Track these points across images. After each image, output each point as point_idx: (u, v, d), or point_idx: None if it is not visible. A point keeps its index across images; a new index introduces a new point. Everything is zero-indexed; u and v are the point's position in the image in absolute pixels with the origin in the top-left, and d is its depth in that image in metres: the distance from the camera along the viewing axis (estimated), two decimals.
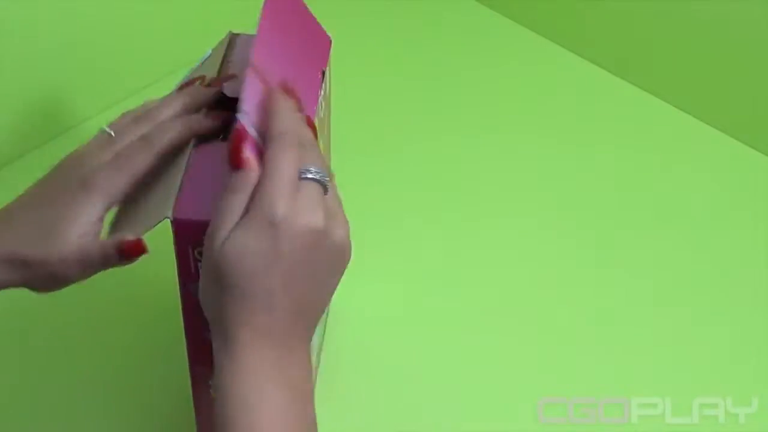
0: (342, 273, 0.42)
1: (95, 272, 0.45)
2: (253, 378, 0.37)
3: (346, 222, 0.41)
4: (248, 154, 0.40)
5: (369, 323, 0.69)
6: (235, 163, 0.40)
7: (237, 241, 0.38)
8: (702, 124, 0.90)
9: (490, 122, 0.91)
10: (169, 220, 0.43)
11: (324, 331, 0.65)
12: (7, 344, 0.68)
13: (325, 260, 0.40)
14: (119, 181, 0.45)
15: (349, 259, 0.42)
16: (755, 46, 0.83)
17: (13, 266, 0.44)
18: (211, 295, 0.39)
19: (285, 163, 0.39)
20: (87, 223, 0.44)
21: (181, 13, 0.90)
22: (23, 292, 0.45)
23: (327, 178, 0.40)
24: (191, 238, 0.43)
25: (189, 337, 0.48)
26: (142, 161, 0.46)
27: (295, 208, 0.38)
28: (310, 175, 0.39)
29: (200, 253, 0.43)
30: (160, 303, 0.68)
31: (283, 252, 0.38)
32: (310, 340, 0.41)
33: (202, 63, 0.53)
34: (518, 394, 0.66)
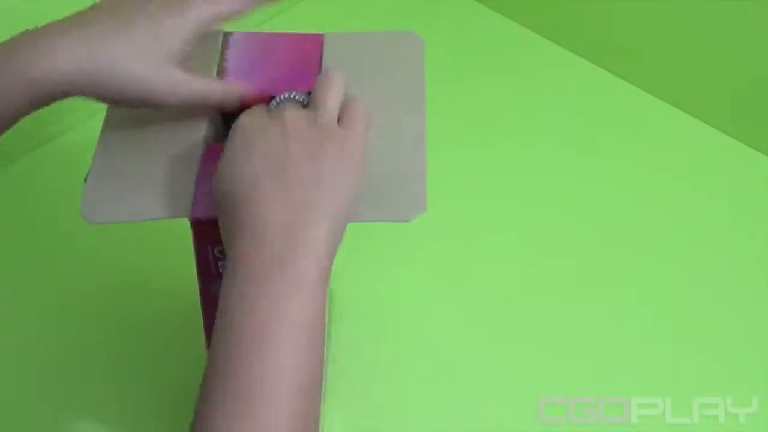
0: (343, 169, 0.40)
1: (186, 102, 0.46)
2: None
3: (347, 113, 0.42)
4: None
5: (369, 321, 0.69)
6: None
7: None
8: (702, 124, 0.90)
9: (490, 122, 0.91)
10: (188, 220, 0.43)
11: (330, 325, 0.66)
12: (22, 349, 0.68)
13: (312, 153, 0.40)
14: (208, 13, 0.45)
15: (350, 153, 0.41)
16: (755, 46, 0.83)
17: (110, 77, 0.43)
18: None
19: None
20: (186, 44, 0.45)
21: None
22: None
23: (303, 97, 0.44)
24: (211, 237, 0.43)
25: (209, 336, 0.48)
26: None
27: (258, 114, 0.42)
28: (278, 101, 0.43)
29: (220, 252, 0.44)
30: (178, 299, 0.68)
31: (252, 150, 0.40)
32: (320, 237, 0.39)
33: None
34: (518, 394, 0.66)
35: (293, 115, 0.41)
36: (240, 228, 0.38)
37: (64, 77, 0.42)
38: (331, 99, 0.42)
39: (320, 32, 0.52)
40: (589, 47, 0.98)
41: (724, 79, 0.88)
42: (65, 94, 0.44)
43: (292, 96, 0.45)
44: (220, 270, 0.46)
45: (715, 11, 0.85)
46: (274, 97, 0.45)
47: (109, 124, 0.49)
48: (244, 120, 0.42)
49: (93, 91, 0.44)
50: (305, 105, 0.44)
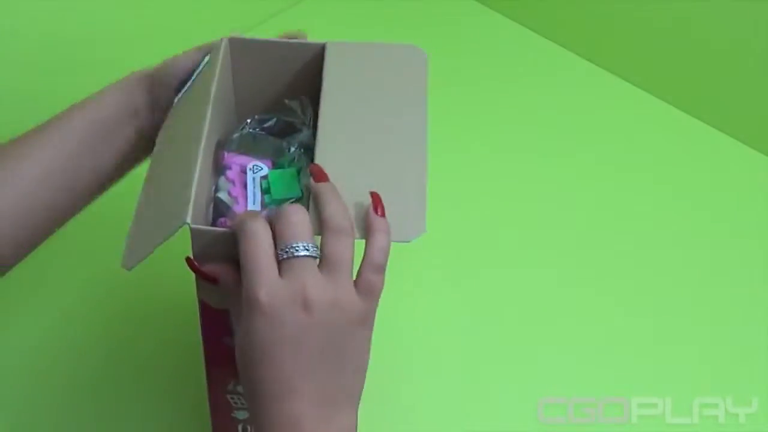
0: (366, 346, 0.40)
1: None
2: None
3: (367, 286, 0.39)
4: (207, 268, 0.42)
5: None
6: (209, 280, 0.42)
7: (239, 335, 0.38)
8: (702, 124, 0.90)
9: (490, 122, 0.91)
10: (187, 227, 0.43)
11: None
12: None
13: (338, 337, 0.38)
14: None
15: (369, 326, 0.40)
16: (755, 46, 0.83)
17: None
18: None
19: (253, 253, 0.38)
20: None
21: (192, 15, 0.90)
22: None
23: (313, 249, 0.38)
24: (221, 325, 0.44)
25: (206, 339, 0.48)
26: None
27: (277, 292, 0.37)
28: (289, 253, 0.38)
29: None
30: (178, 298, 0.68)
31: (279, 338, 0.37)
32: (350, 424, 0.40)
33: (201, 70, 0.53)
34: (518, 394, 0.66)
35: (315, 291, 0.37)
36: (271, 421, 0.38)
37: None
38: (345, 250, 0.39)
39: (323, 41, 0.52)
40: (589, 47, 0.98)
41: (724, 80, 0.88)
42: None
43: (302, 249, 0.39)
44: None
45: (715, 12, 0.85)
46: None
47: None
48: (260, 288, 0.37)
49: None
50: (316, 254, 0.39)
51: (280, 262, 0.38)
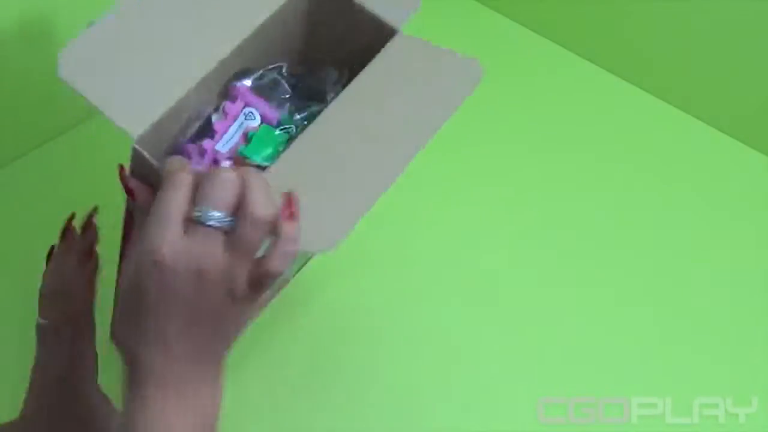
0: (245, 321, 0.41)
1: None
2: (159, 414, 0.38)
3: (257, 281, 0.39)
4: (132, 183, 0.43)
5: (367, 323, 0.69)
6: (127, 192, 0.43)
7: (131, 268, 0.38)
8: (702, 124, 0.90)
9: (490, 122, 0.91)
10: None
11: (302, 265, 0.65)
12: None
13: (218, 309, 0.39)
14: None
15: (249, 310, 0.41)
16: (755, 46, 0.83)
17: None
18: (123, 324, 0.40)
19: (167, 203, 0.38)
20: None
21: None
22: None
23: (226, 222, 0.38)
24: None
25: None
26: None
27: (177, 253, 0.37)
28: (202, 218, 0.38)
29: None
30: None
31: (165, 295, 0.38)
32: (216, 376, 0.41)
33: None
34: (518, 394, 0.66)
35: (212, 263, 0.38)
36: (138, 365, 0.39)
37: None
38: (253, 239, 0.39)
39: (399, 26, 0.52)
40: (590, 47, 0.98)
41: (724, 80, 0.88)
42: None
43: (215, 220, 0.39)
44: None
45: (715, 12, 0.85)
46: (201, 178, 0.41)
47: None
48: (163, 242, 0.38)
49: None
50: (228, 229, 0.39)
51: (190, 220, 0.38)
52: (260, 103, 0.50)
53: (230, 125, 0.49)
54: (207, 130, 0.50)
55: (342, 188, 0.47)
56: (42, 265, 0.63)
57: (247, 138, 0.49)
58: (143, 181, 0.44)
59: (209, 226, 0.38)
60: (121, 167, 0.43)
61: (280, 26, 0.51)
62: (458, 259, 0.76)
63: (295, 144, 0.46)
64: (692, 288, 0.74)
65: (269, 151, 0.49)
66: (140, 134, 0.43)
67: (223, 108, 0.49)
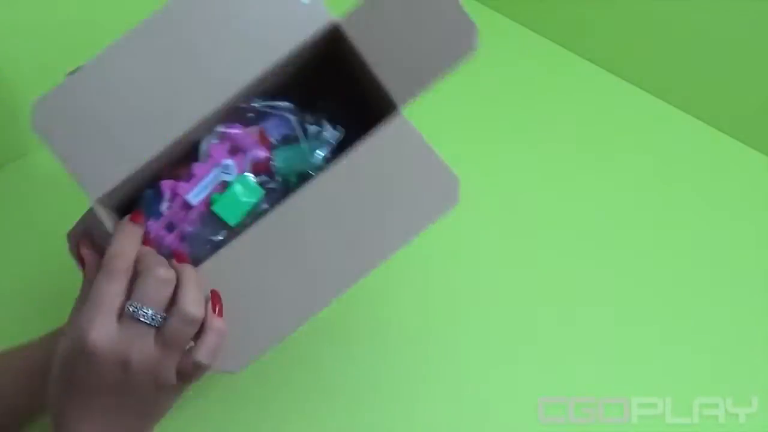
0: (171, 405, 0.42)
1: None
2: None
3: (185, 373, 0.41)
4: (84, 253, 0.44)
5: (366, 322, 0.69)
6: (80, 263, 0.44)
7: (61, 345, 0.40)
8: (702, 124, 0.90)
9: (490, 122, 0.91)
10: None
11: None
12: None
13: (143, 399, 0.40)
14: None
15: (177, 397, 0.42)
16: (755, 46, 0.83)
17: None
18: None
19: (102, 292, 0.40)
20: None
21: None
22: None
23: (158, 320, 0.40)
24: None
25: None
26: None
27: (106, 343, 0.39)
28: (136, 314, 0.39)
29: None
30: None
31: (89, 383, 0.39)
32: None
33: None
34: (518, 394, 0.66)
35: (140, 358, 0.39)
36: None
37: None
38: (183, 336, 0.40)
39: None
40: (590, 47, 0.98)
41: (724, 80, 0.88)
42: None
43: (149, 318, 0.40)
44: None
45: (716, 12, 0.85)
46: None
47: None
48: (93, 329, 0.39)
49: None
50: (159, 325, 0.40)
51: (123, 311, 0.40)
52: (250, 141, 0.49)
53: (209, 171, 0.48)
54: (191, 156, 0.49)
55: (265, 305, 0.46)
56: (40, 265, 0.63)
57: (223, 187, 0.49)
58: (97, 241, 0.45)
59: (142, 322, 0.40)
60: (76, 239, 0.45)
61: (276, 77, 0.49)
62: (457, 259, 0.76)
63: (235, 241, 0.46)
64: (692, 288, 0.74)
65: (238, 212, 0.48)
66: (99, 197, 0.43)
67: (211, 147, 0.48)
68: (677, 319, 0.72)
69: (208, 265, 0.46)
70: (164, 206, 0.47)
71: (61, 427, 0.40)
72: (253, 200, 0.48)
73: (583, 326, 0.71)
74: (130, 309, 0.40)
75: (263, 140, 0.50)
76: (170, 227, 0.48)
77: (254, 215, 0.48)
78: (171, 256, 0.46)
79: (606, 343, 0.69)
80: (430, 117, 0.95)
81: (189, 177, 0.48)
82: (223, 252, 0.47)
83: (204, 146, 0.49)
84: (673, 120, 0.91)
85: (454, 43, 0.49)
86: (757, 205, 0.82)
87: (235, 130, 0.49)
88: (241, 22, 0.46)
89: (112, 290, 0.40)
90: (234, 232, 0.48)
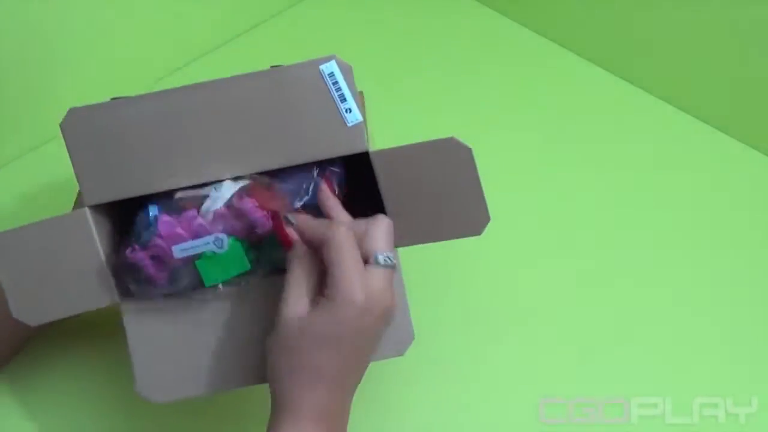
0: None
1: None
2: None
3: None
4: (290, 232, 0.47)
5: None
6: (284, 242, 0.47)
7: (318, 325, 0.44)
8: (702, 124, 0.90)
9: (490, 122, 0.91)
10: None
11: None
12: None
13: (379, 335, 0.47)
14: None
15: None
16: (755, 46, 0.83)
17: None
18: (282, 368, 0.45)
19: (350, 253, 0.45)
20: None
21: (190, 14, 0.90)
22: None
23: (394, 262, 0.46)
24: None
25: None
26: None
27: (370, 294, 0.44)
28: (380, 261, 0.46)
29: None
30: None
31: (360, 333, 0.44)
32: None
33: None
34: (518, 394, 0.66)
35: (389, 300, 0.46)
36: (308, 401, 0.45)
37: None
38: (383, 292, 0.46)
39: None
40: (590, 47, 0.98)
41: (724, 79, 0.88)
42: None
43: (388, 260, 0.47)
44: None
45: (716, 12, 0.85)
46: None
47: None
48: (358, 289, 0.44)
49: None
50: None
51: (366, 264, 0.46)
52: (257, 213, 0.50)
53: (205, 235, 0.50)
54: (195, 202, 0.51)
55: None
56: None
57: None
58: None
59: (385, 266, 0.46)
60: (276, 214, 0.49)
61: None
62: (456, 259, 0.76)
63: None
64: (692, 288, 0.74)
65: (218, 277, 0.51)
66: (91, 204, 0.51)
67: (217, 213, 0.50)
68: (677, 319, 0.72)
69: (176, 303, 0.51)
70: (155, 239, 0.49)
71: (314, 394, 0.45)
72: (237, 272, 0.50)
73: (583, 326, 0.71)
74: (382, 258, 0.46)
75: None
76: (155, 258, 0.49)
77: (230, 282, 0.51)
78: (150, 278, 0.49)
79: (606, 343, 0.69)
80: (429, 116, 0.95)
81: (188, 226, 0.49)
82: (194, 300, 0.51)
83: (212, 205, 0.50)
84: (673, 120, 0.91)
85: (465, 223, 0.54)
86: (757, 205, 0.82)
87: (248, 205, 0.50)
88: (287, 118, 0.50)
89: (352, 256, 0.45)
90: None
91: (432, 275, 0.74)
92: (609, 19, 0.95)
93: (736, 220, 0.81)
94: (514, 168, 0.85)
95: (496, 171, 0.85)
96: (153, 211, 0.50)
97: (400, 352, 0.53)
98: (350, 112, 0.50)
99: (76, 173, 0.50)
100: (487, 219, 0.54)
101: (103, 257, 0.50)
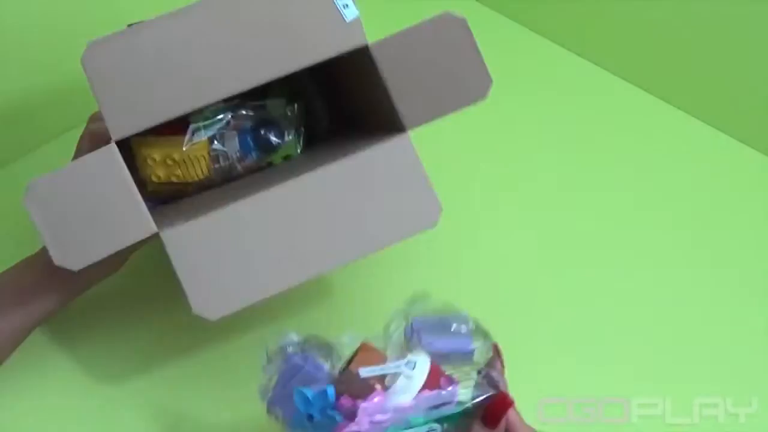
0: None
1: None
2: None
3: None
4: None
5: (365, 320, 0.69)
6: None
7: None
8: (702, 124, 0.90)
9: (490, 122, 0.91)
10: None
11: None
12: None
13: None
14: None
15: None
16: (755, 46, 0.83)
17: None
18: None
19: None
20: None
21: None
22: None
23: None
24: None
25: None
26: None
27: None
28: None
29: None
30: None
31: None
32: None
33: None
34: (518, 394, 0.66)
35: None
36: None
37: None
38: None
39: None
40: (589, 47, 0.98)
41: (724, 79, 0.88)
42: None
43: None
44: None
45: (715, 11, 0.85)
46: None
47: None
48: None
49: None
50: None
51: None
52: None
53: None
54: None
55: (252, 265, 0.52)
56: None
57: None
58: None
59: None
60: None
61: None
62: (456, 258, 0.76)
63: (242, 202, 0.52)
64: (691, 288, 0.74)
65: None
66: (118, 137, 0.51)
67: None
68: (677, 319, 0.72)
69: (211, 216, 0.51)
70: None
71: None
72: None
73: (584, 326, 0.71)
74: None
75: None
76: None
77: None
78: None
79: (606, 343, 0.69)
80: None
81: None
82: (229, 208, 0.51)
83: (408, 387, 0.48)
84: (673, 120, 0.91)
85: (469, 90, 0.56)
86: (757, 205, 0.82)
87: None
88: (288, 22, 0.52)
89: None
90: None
91: (432, 275, 0.74)
92: (610, 19, 0.95)
93: (736, 220, 0.81)
94: (513, 169, 0.85)
95: (496, 171, 0.85)
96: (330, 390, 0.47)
97: (433, 223, 0.54)
98: (347, 7, 0.52)
99: (101, 109, 0.50)
100: (489, 81, 0.57)
101: (136, 191, 0.50)
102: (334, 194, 0.52)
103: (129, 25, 0.52)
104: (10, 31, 0.75)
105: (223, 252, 0.51)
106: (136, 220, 0.50)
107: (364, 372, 0.47)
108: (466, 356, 0.52)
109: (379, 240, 0.54)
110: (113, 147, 0.50)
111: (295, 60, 0.52)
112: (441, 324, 0.54)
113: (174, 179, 0.62)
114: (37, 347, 0.66)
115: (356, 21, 0.52)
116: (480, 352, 0.52)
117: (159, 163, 0.61)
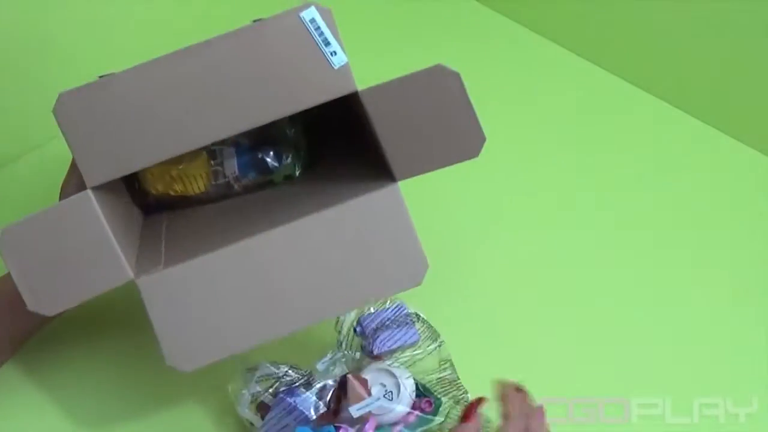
0: None
1: None
2: None
3: None
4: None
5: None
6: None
7: None
8: (702, 124, 0.90)
9: (490, 122, 0.91)
10: None
11: None
12: None
13: None
14: None
15: None
16: (755, 46, 0.83)
17: None
18: None
19: None
20: None
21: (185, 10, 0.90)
22: None
23: None
24: None
25: None
26: None
27: None
28: None
29: None
30: None
31: None
32: None
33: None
34: None
35: None
36: None
37: None
38: None
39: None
40: (589, 47, 0.98)
41: (724, 79, 0.88)
42: None
43: None
44: None
45: (715, 11, 0.85)
46: None
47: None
48: None
49: None
50: None
51: None
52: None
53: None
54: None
55: (228, 319, 0.51)
56: None
57: None
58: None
59: None
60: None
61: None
62: (456, 258, 0.76)
63: (217, 253, 0.51)
64: (691, 288, 0.74)
65: None
66: (94, 186, 0.51)
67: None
68: (677, 319, 0.72)
69: (189, 264, 0.50)
70: None
71: None
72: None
73: (584, 326, 0.71)
74: None
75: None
76: None
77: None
78: None
79: (606, 343, 0.69)
80: None
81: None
82: (209, 256, 0.51)
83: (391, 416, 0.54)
84: (673, 120, 0.91)
85: (462, 146, 0.54)
86: (757, 205, 0.82)
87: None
88: (274, 70, 0.50)
89: None
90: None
91: (431, 274, 0.74)
92: (609, 19, 0.95)
93: (736, 220, 0.81)
94: (513, 168, 0.85)
95: (495, 171, 0.85)
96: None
97: (417, 282, 0.53)
98: (335, 54, 0.51)
99: (74, 157, 0.50)
100: (483, 139, 0.55)
101: (112, 237, 0.50)
102: (317, 247, 0.51)
103: (100, 77, 0.51)
104: (11, 30, 0.76)
105: (199, 303, 0.51)
106: (113, 267, 0.50)
107: (355, 411, 0.52)
108: (414, 344, 0.59)
109: (360, 297, 0.53)
110: (89, 193, 0.49)
111: (280, 107, 0.51)
112: (386, 318, 0.59)
113: (172, 193, 0.62)
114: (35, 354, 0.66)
115: (345, 67, 0.51)
116: (422, 334, 0.58)
117: (157, 177, 0.61)
